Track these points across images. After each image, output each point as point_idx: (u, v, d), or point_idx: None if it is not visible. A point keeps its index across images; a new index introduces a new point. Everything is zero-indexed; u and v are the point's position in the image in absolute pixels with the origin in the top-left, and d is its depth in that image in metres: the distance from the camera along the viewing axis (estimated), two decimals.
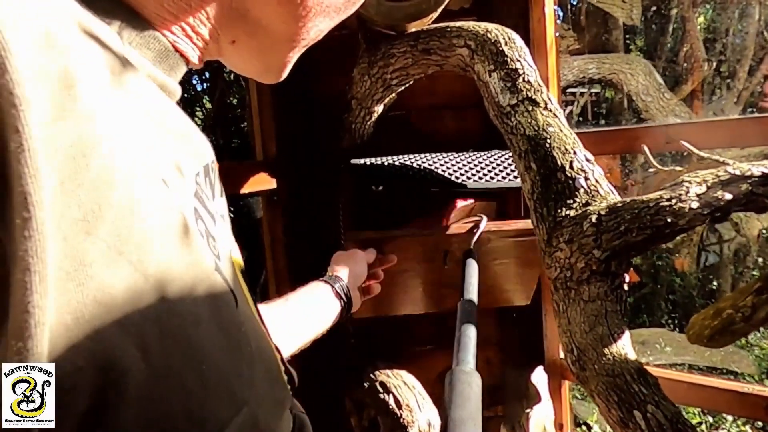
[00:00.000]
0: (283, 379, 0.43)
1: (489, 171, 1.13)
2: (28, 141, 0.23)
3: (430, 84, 1.28)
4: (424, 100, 1.37)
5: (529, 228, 0.85)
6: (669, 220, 0.67)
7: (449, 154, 1.22)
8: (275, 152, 1.40)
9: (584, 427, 3.62)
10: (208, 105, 3.74)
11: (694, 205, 0.66)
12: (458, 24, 1.03)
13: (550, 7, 1.30)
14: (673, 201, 0.67)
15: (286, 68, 0.44)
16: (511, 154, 0.91)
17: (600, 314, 0.71)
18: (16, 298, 0.22)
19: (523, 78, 0.91)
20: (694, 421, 3.65)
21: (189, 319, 0.30)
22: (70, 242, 0.24)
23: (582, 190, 0.78)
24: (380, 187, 1.16)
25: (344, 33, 1.21)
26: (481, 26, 1.00)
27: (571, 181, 0.79)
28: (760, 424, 3.68)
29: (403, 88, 1.20)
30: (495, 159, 1.19)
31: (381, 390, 1.25)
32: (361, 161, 1.19)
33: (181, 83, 0.39)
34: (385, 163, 1.17)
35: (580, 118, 6.06)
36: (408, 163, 1.17)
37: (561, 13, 4.95)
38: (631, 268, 0.76)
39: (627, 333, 0.71)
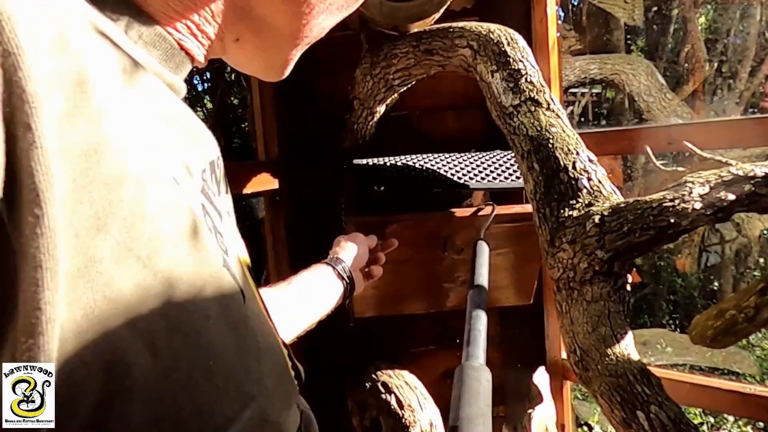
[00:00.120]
0: (291, 374, 0.43)
1: (491, 171, 1.13)
2: (40, 138, 0.23)
3: (432, 84, 1.28)
4: (426, 101, 1.37)
5: (526, 212, 0.84)
6: (672, 220, 0.67)
7: (451, 154, 1.22)
8: (277, 152, 1.40)
9: (586, 428, 3.62)
10: (210, 105, 3.73)
11: (698, 205, 0.66)
12: (461, 24, 1.03)
13: (551, 8, 1.30)
14: (676, 201, 0.67)
15: (288, 66, 0.44)
16: (513, 154, 0.91)
17: (603, 315, 0.71)
18: (27, 294, 0.22)
19: (526, 78, 0.91)
20: (695, 422, 3.64)
21: (197, 315, 0.30)
22: (81, 239, 0.25)
23: (585, 191, 0.78)
24: (382, 188, 1.16)
25: (347, 34, 1.22)
26: (483, 27, 1.00)
27: (574, 182, 0.79)
28: (761, 424, 3.68)
29: (405, 88, 1.20)
30: (497, 159, 1.19)
31: (383, 390, 1.25)
32: (364, 161, 1.19)
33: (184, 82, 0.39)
34: (388, 164, 1.17)
35: (582, 119, 6.06)
36: (410, 163, 1.17)
37: (562, 14, 4.94)
38: (633, 269, 0.76)
39: (630, 333, 0.71)
